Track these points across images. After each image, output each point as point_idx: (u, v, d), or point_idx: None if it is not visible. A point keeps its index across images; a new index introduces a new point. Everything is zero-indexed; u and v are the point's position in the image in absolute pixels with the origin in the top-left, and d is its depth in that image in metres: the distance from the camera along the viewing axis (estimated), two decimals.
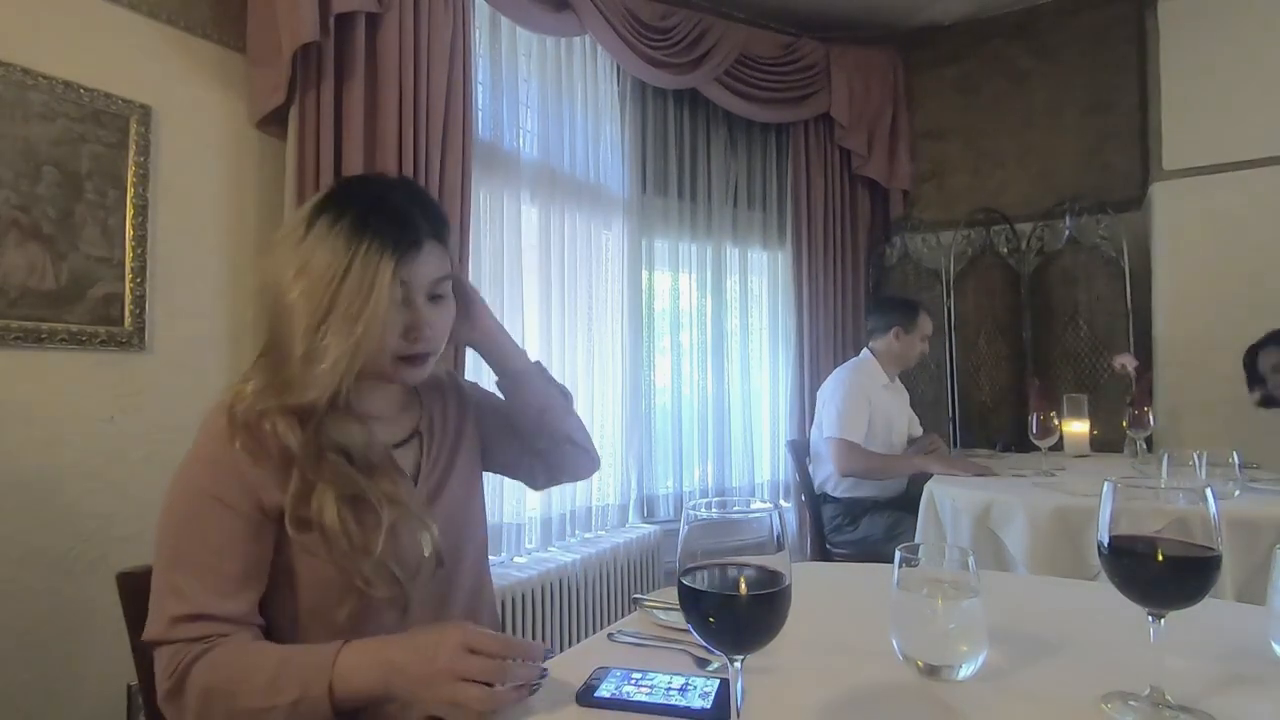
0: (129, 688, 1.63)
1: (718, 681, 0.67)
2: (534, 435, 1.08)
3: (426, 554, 0.86)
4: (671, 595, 0.95)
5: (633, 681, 0.69)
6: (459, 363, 2.07)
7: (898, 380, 2.72)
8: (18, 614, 1.52)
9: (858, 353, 2.77)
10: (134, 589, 0.86)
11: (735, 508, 0.71)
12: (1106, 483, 0.65)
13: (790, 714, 0.63)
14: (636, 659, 0.76)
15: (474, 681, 0.64)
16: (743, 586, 0.54)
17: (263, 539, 0.81)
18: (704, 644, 0.55)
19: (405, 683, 0.68)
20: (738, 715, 0.55)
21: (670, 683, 0.69)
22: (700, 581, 0.54)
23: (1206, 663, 0.71)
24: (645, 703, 0.65)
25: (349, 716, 0.72)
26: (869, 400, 2.55)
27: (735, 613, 0.54)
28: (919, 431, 2.81)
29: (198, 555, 0.78)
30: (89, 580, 1.61)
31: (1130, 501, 0.64)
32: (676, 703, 0.64)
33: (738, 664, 0.55)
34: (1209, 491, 0.61)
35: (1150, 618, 0.64)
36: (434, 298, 0.88)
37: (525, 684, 0.66)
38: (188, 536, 0.79)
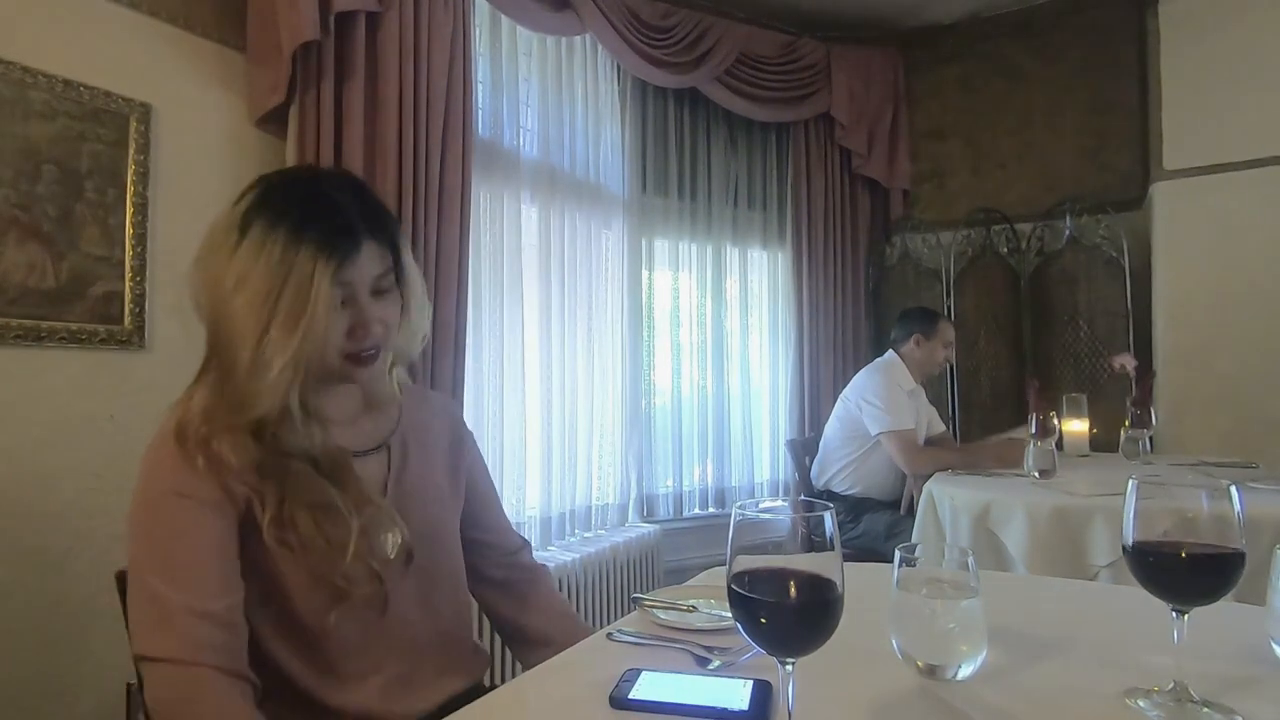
0: (129, 687, 1.62)
1: (752, 682, 0.67)
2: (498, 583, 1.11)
3: (391, 555, 0.87)
4: (671, 594, 0.96)
5: (666, 683, 0.68)
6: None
7: (919, 386, 2.71)
8: (17, 614, 1.52)
9: (858, 352, 2.77)
10: None
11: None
12: (1131, 480, 0.66)
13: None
14: (637, 659, 0.76)
15: None
16: (794, 591, 0.54)
17: (233, 531, 0.80)
18: (756, 647, 0.55)
19: None
20: (789, 718, 0.56)
21: (704, 684, 0.68)
22: (754, 588, 0.54)
23: (1205, 663, 0.71)
24: (683, 704, 0.64)
25: None
26: (905, 394, 2.55)
27: (788, 618, 0.54)
28: (940, 428, 2.80)
29: (170, 552, 0.77)
30: (89, 580, 1.61)
31: (1150, 500, 0.65)
32: (715, 704, 0.63)
33: (789, 667, 0.55)
34: (1233, 489, 0.62)
35: (1173, 614, 0.65)
36: (377, 293, 0.86)
37: None
38: (156, 538, 0.78)
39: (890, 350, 2.71)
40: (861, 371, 2.69)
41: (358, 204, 0.85)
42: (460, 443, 1.06)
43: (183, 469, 0.78)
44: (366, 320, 0.84)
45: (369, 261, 0.84)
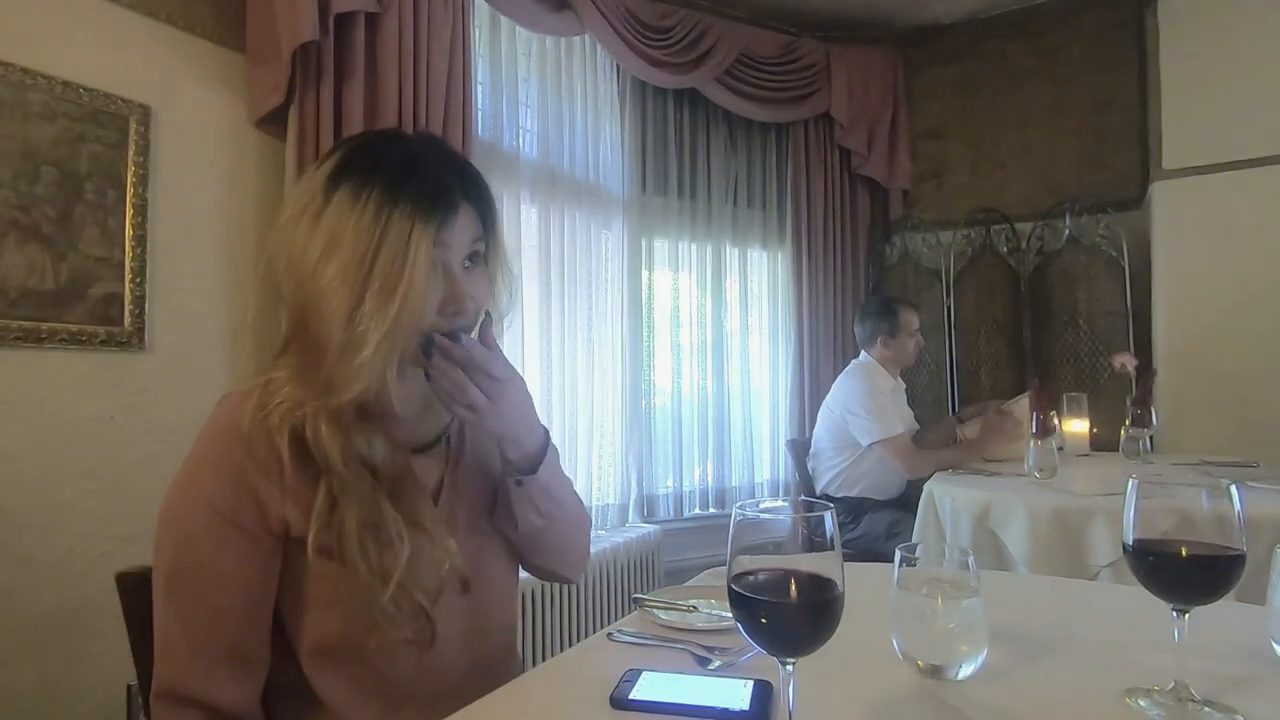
0: (129, 688, 1.62)
1: (753, 682, 0.67)
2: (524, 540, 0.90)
3: (444, 569, 0.79)
4: (671, 595, 0.95)
5: (666, 683, 0.68)
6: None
7: (899, 378, 2.72)
8: (18, 614, 1.52)
9: (858, 353, 2.76)
10: (134, 589, 0.85)
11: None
12: (1131, 480, 0.67)
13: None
14: (637, 659, 0.76)
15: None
16: (795, 592, 0.54)
17: (270, 565, 0.75)
18: (756, 646, 0.55)
19: None
20: (790, 718, 0.55)
21: (704, 684, 0.68)
22: (754, 588, 0.54)
23: (1206, 662, 0.71)
24: (683, 705, 0.64)
25: None
26: (887, 396, 2.55)
27: (789, 618, 0.54)
28: (915, 426, 2.81)
29: (195, 590, 0.73)
30: (89, 580, 1.61)
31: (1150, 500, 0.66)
32: (715, 704, 0.63)
33: (790, 667, 0.54)
34: (1233, 489, 0.63)
35: (1174, 613, 0.65)
36: (468, 265, 0.78)
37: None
38: (186, 560, 0.73)
39: (863, 353, 2.71)
40: (839, 377, 2.69)
41: (453, 164, 0.79)
42: None
43: (232, 481, 0.73)
44: (460, 293, 0.76)
45: (465, 227, 0.77)
